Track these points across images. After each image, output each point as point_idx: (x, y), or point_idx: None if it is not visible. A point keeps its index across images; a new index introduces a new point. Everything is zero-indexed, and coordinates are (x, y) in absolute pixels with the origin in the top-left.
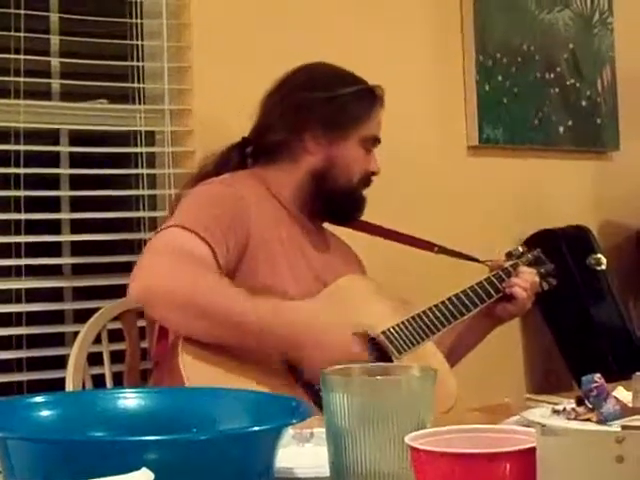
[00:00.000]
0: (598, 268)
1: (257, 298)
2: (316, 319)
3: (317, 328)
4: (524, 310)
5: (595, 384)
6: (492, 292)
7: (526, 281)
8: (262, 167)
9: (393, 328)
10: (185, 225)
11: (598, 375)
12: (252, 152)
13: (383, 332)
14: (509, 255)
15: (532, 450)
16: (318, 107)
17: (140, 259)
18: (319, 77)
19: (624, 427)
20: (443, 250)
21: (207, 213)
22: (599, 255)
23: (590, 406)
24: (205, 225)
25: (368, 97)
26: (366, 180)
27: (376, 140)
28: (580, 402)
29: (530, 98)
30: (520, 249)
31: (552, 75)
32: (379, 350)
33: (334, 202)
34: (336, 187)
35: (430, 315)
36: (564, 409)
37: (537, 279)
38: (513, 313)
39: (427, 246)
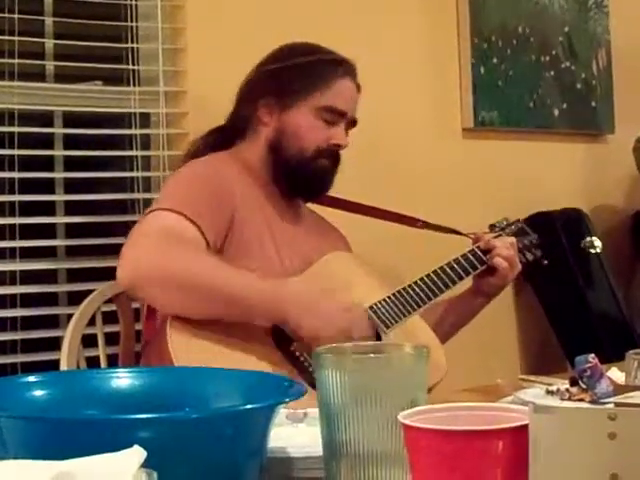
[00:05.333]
0: (593, 251)
1: (251, 272)
2: (311, 290)
3: (313, 297)
4: (507, 281)
5: (589, 364)
6: (476, 264)
7: (508, 249)
8: (236, 146)
9: (380, 303)
10: (171, 207)
11: (592, 355)
12: (227, 134)
13: (370, 307)
14: (492, 227)
15: (525, 428)
16: (271, 77)
17: (126, 244)
18: (282, 51)
19: (617, 404)
20: (426, 225)
21: (192, 194)
22: (594, 238)
23: (584, 386)
24: (191, 206)
25: (329, 67)
26: (328, 153)
27: (337, 112)
28: (574, 383)
29: (525, 81)
30: (504, 221)
31: (547, 58)
32: None
33: (289, 174)
34: (288, 157)
35: (416, 288)
36: (558, 390)
37: (513, 247)
38: (497, 285)
39: (410, 221)
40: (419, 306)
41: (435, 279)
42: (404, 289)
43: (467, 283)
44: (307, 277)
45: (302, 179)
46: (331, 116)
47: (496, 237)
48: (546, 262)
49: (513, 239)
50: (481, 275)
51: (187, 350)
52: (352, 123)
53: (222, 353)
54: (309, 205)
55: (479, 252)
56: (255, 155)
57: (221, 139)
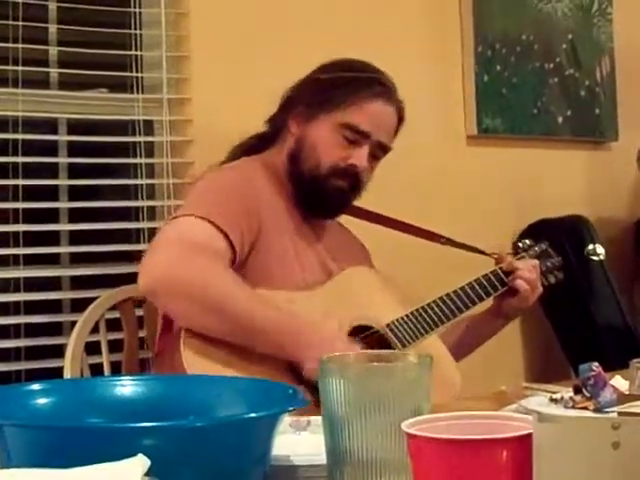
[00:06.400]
0: (596, 258)
1: (264, 302)
2: (308, 321)
3: (308, 330)
4: (527, 303)
5: (592, 373)
6: (498, 285)
7: (530, 271)
8: (267, 151)
9: (397, 321)
10: (203, 215)
11: (596, 364)
12: (265, 140)
13: (387, 325)
14: (516, 248)
15: (529, 437)
16: (304, 87)
17: (152, 247)
18: (328, 65)
19: (620, 413)
20: (450, 242)
21: (223, 203)
22: (597, 245)
23: (587, 395)
24: (222, 215)
25: (362, 86)
26: (344, 172)
27: (360, 132)
28: (577, 391)
29: (529, 88)
30: (527, 242)
31: (551, 65)
32: (383, 343)
33: (304, 189)
34: (304, 170)
35: (435, 308)
36: (562, 398)
37: (536, 270)
38: (517, 307)
39: (434, 237)
40: (437, 326)
41: (455, 299)
42: (423, 308)
43: (487, 303)
44: (326, 290)
45: (316, 197)
46: (353, 135)
47: (519, 259)
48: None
49: (536, 262)
50: (502, 297)
51: (200, 363)
52: (381, 149)
53: (235, 366)
54: None
55: (501, 273)
56: (280, 163)
57: (258, 144)
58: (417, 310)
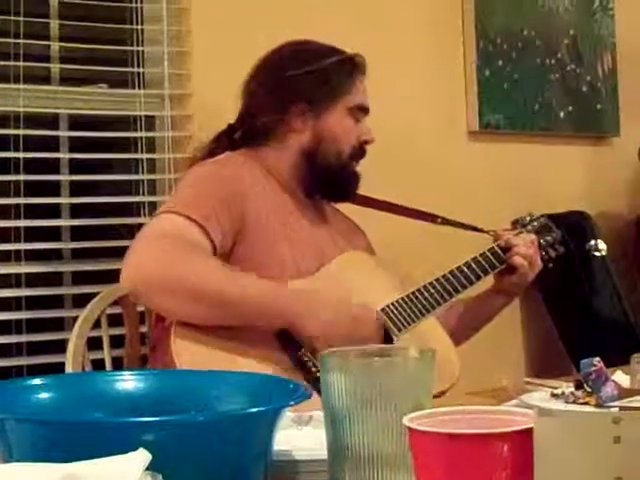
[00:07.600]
0: (598, 254)
1: (253, 275)
2: (315, 292)
3: (317, 299)
4: (527, 279)
5: (594, 368)
6: (496, 263)
7: (528, 247)
8: (253, 149)
9: (393, 304)
10: (179, 210)
11: (597, 359)
12: (241, 137)
13: (383, 309)
14: (515, 224)
15: (529, 431)
16: (300, 82)
17: (131, 247)
18: (297, 53)
19: (621, 408)
20: (446, 221)
21: (201, 196)
22: (598, 241)
23: (589, 390)
24: (198, 208)
25: (349, 66)
26: (359, 151)
27: (363, 109)
28: (579, 386)
29: (530, 83)
30: (527, 217)
31: (553, 60)
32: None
33: (327, 180)
34: (328, 163)
35: (431, 290)
36: (563, 393)
37: (534, 245)
38: (517, 284)
39: (430, 218)
40: (434, 307)
41: (452, 279)
42: (419, 290)
43: (486, 283)
44: (320, 277)
45: (339, 184)
46: (359, 113)
47: (517, 234)
48: (551, 265)
49: (534, 237)
50: (501, 274)
51: (191, 356)
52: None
53: (227, 359)
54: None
55: (498, 250)
56: (284, 162)
57: (227, 145)
58: (413, 293)
